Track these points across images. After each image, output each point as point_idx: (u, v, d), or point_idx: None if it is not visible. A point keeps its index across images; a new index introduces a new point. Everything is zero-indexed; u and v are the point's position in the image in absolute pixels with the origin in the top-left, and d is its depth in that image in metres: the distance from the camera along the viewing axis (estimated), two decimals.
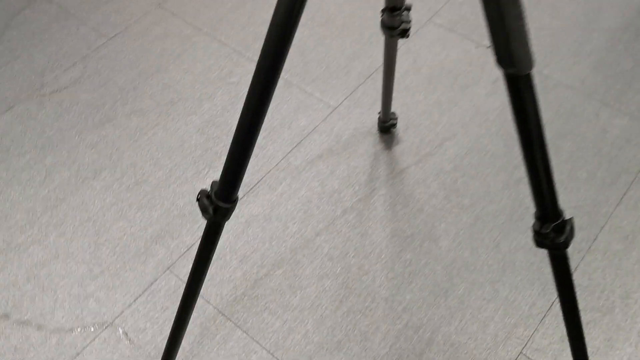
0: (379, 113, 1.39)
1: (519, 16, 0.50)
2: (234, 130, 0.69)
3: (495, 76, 1.53)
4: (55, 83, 1.53)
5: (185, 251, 1.25)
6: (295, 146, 1.41)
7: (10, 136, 1.44)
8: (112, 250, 1.27)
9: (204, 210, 0.74)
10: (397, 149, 1.41)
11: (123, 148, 1.42)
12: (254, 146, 0.69)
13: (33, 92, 1.51)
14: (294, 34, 0.61)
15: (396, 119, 1.39)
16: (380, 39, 1.60)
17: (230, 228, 1.29)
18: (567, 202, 1.30)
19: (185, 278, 1.21)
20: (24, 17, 1.66)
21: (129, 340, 1.14)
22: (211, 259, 0.83)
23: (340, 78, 1.53)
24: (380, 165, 1.38)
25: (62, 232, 1.29)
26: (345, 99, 1.49)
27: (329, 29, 1.63)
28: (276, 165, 1.39)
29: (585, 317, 1.15)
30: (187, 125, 1.45)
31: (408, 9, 1.01)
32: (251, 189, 1.35)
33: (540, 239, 0.71)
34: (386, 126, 1.40)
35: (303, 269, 1.24)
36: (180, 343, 1.02)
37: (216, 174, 1.38)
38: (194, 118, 1.47)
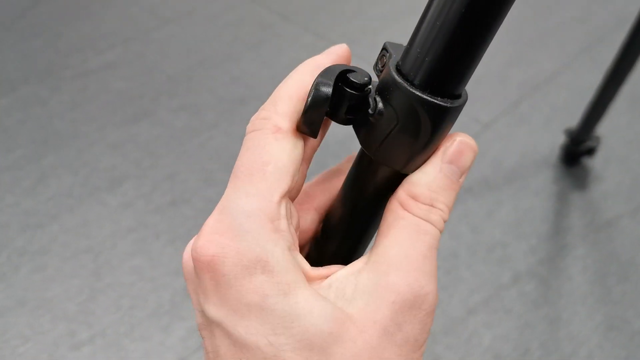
0: (567, 132, 0.86)
1: None
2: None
3: None
4: (82, 66, 1.08)
5: None
6: None
7: (3, 125, 0.97)
8: (115, 303, 0.74)
9: None
10: (597, 189, 0.86)
11: (160, 153, 0.92)
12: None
13: (50, 74, 1.06)
14: None
15: (598, 142, 0.86)
16: (549, 42, 1.11)
17: None
18: None
19: None
20: None
21: None
22: None
23: (492, 87, 1.03)
24: (571, 211, 0.84)
25: (41, 265, 0.78)
26: (502, 113, 0.98)
27: None
28: None
29: None
30: None
31: None
32: None
33: None
34: (578, 151, 0.87)
35: None
36: None
37: None
38: None
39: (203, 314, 0.22)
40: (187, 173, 0.89)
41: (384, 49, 0.25)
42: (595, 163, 0.89)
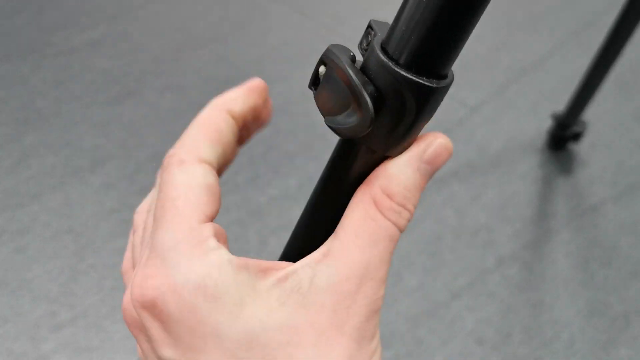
0: (554, 116, 0.86)
1: None
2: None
3: None
4: (65, 43, 1.06)
5: None
6: None
7: None
8: (97, 284, 0.73)
9: None
10: (582, 174, 0.87)
11: (144, 132, 0.91)
12: None
13: (31, 52, 1.04)
14: None
15: (584, 127, 0.86)
16: (539, 26, 1.10)
17: None
18: None
19: None
20: None
21: None
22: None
23: (480, 70, 1.02)
24: (556, 196, 0.84)
25: (22, 245, 0.77)
26: (489, 97, 0.97)
27: None
28: None
29: None
30: None
31: None
32: None
33: None
34: (564, 136, 0.86)
35: (428, 354, 0.68)
36: None
37: (282, 183, 0.85)
38: None
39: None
40: None
41: (369, 27, 0.24)
42: (581, 148, 0.89)
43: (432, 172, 0.24)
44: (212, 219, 0.23)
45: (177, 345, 0.20)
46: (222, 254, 0.21)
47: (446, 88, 0.23)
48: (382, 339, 0.69)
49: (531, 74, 1.01)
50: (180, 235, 0.21)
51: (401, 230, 0.23)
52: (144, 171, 0.86)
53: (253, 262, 0.22)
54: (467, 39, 0.22)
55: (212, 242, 0.21)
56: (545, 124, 0.91)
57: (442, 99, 0.23)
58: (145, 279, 0.21)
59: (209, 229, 0.22)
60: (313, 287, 0.21)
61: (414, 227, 0.80)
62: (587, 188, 0.85)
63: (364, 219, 0.22)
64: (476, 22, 0.22)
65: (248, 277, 0.21)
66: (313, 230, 0.27)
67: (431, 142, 0.23)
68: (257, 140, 0.90)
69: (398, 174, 0.23)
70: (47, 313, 0.71)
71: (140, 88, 0.98)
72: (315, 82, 0.24)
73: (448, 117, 0.94)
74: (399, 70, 0.22)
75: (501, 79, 1.00)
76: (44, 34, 1.08)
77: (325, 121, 0.24)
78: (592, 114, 0.92)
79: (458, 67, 1.03)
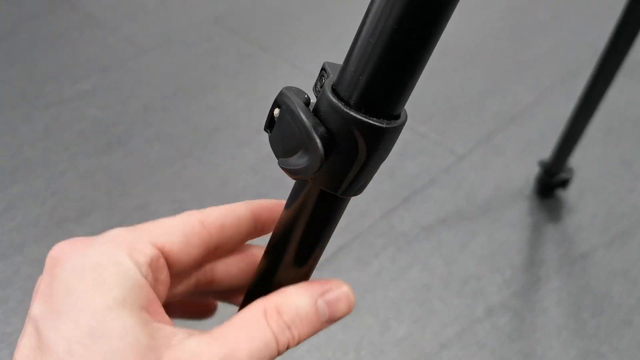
0: (541, 164, 0.86)
1: None
2: None
3: None
4: (57, 94, 1.07)
5: None
6: (402, 202, 0.88)
7: None
8: None
9: None
10: (571, 220, 0.86)
11: (132, 182, 0.91)
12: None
13: (23, 103, 1.05)
14: None
15: (572, 174, 0.86)
16: (525, 74, 1.11)
17: None
18: None
19: None
20: (38, 23, 1.25)
21: None
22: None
23: (468, 117, 1.03)
24: (545, 244, 0.83)
25: (2, 297, 0.75)
26: (477, 144, 0.98)
27: (449, 59, 1.15)
28: (370, 226, 0.85)
29: None
30: (234, 159, 0.95)
31: None
32: (328, 258, 0.80)
33: None
34: (552, 183, 0.86)
35: None
36: None
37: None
38: (245, 151, 0.96)
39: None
40: (158, 204, 0.88)
41: (323, 69, 0.24)
42: (569, 195, 0.89)
43: (327, 317, 0.24)
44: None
45: (46, 301, 0.22)
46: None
47: (398, 129, 0.22)
48: None
49: (519, 121, 1.02)
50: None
51: (279, 349, 0.23)
52: (129, 221, 0.85)
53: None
54: (416, 79, 0.22)
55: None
56: (533, 171, 0.90)
57: (395, 139, 0.23)
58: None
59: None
60: (177, 350, 0.22)
61: (402, 276, 0.79)
62: (577, 235, 0.84)
63: (249, 323, 0.23)
64: (424, 64, 0.21)
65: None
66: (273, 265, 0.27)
67: (337, 286, 0.25)
68: (249, 191, 0.90)
69: (294, 297, 0.24)
70: None
71: (129, 137, 0.99)
72: (270, 124, 0.24)
73: (436, 164, 0.94)
74: (348, 110, 0.21)
75: (489, 126, 1.01)
76: (36, 85, 1.09)
77: (278, 163, 0.24)
78: (579, 160, 0.92)
79: (446, 114, 1.03)
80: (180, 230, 0.26)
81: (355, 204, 0.88)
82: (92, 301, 0.21)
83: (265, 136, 0.99)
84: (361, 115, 0.21)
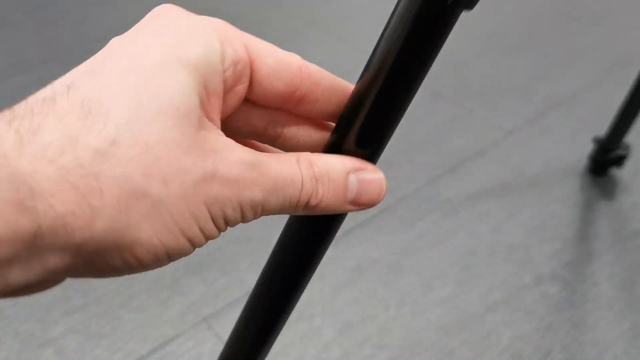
0: (596, 140, 0.83)
1: None
2: None
3: None
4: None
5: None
6: (448, 170, 0.86)
7: (17, 102, 0.95)
8: None
9: None
10: (625, 199, 0.82)
11: None
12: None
13: (69, 56, 1.05)
14: None
15: (628, 151, 0.82)
16: (576, 62, 1.09)
17: (327, 273, 0.71)
18: None
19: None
20: None
21: None
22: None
23: (516, 98, 1.00)
24: (597, 220, 0.80)
25: None
26: (525, 122, 0.95)
27: (501, 44, 1.13)
28: (415, 190, 0.82)
29: None
30: None
31: None
32: (369, 218, 0.78)
33: None
34: (608, 160, 0.83)
35: None
36: None
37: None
38: None
39: None
40: None
41: None
42: (623, 174, 0.86)
43: (354, 195, 0.23)
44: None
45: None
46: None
47: None
48: (409, 347, 0.64)
49: (569, 105, 0.99)
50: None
51: (301, 197, 0.22)
52: None
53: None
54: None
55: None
56: (585, 151, 0.88)
57: None
58: None
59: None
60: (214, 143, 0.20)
61: (446, 240, 0.76)
62: (631, 213, 0.80)
63: (282, 156, 0.22)
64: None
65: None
66: None
67: (374, 170, 0.24)
68: None
69: (330, 158, 0.23)
70: (60, 298, 0.67)
71: None
72: None
73: (484, 138, 0.92)
74: None
75: (538, 107, 0.98)
76: (81, 42, 1.10)
77: None
78: (635, 140, 0.89)
79: (494, 93, 1.01)
80: (277, 58, 0.23)
81: (400, 168, 0.86)
82: (159, 53, 0.20)
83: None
84: None
